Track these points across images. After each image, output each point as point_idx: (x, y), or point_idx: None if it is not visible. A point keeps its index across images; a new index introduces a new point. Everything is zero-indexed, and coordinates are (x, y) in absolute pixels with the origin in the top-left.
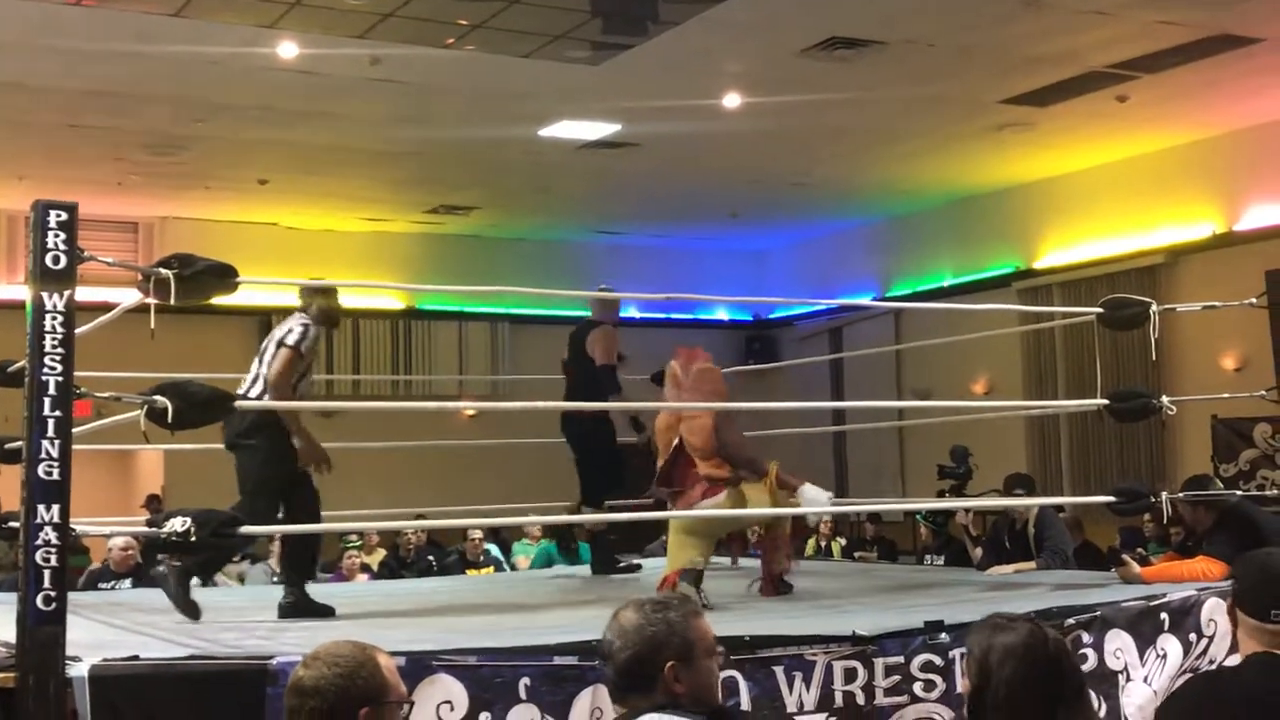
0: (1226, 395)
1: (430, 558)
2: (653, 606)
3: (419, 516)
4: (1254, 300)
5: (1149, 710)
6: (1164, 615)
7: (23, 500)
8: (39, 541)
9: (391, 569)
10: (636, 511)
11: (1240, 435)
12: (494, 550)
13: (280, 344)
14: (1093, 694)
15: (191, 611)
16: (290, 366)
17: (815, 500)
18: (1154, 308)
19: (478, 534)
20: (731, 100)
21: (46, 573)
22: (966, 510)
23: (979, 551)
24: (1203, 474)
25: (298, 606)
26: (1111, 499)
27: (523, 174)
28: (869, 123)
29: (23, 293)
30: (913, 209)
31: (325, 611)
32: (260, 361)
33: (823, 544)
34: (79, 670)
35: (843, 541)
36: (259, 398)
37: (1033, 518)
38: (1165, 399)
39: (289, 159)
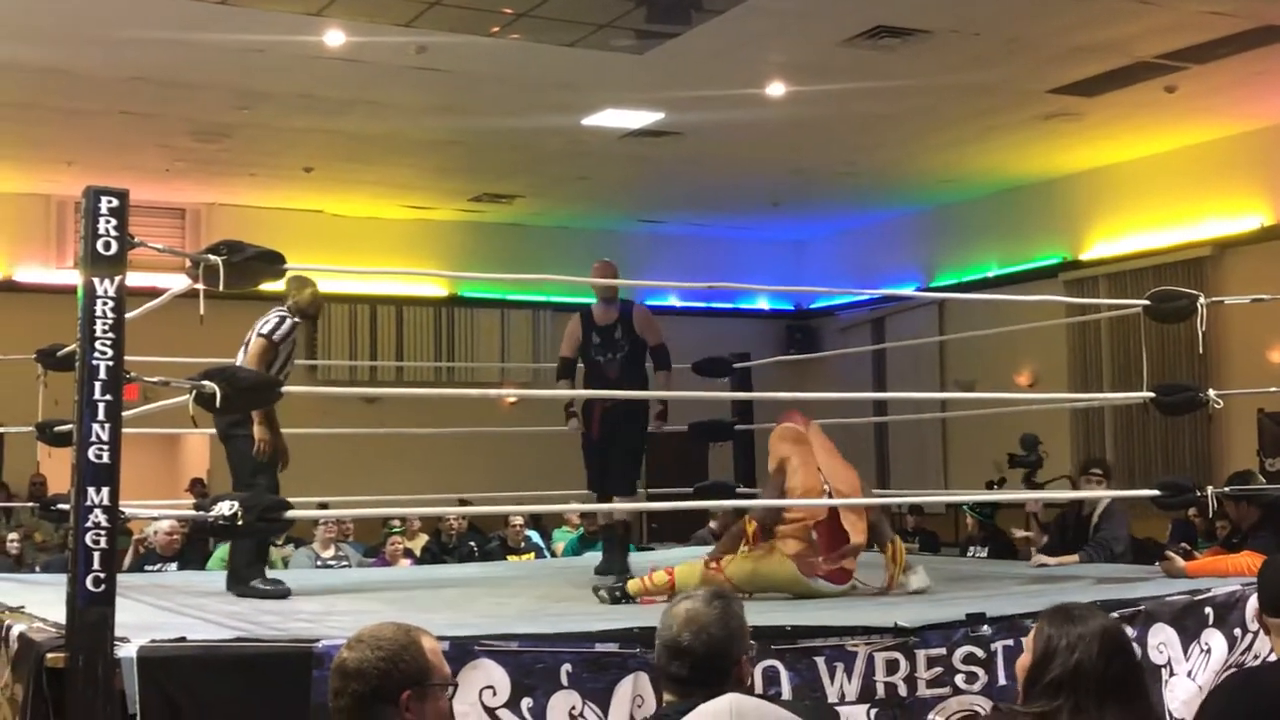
0: (1274, 389)
1: (472, 543)
2: (720, 601)
3: (462, 502)
4: None
5: (1193, 705)
6: (1208, 610)
7: (73, 482)
8: (89, 524)
9: (434, 554)
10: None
11: None
12: (535, 536)
13: (257, 334)
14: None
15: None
16: (263, 356)
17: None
18: (1202, 300)
19: (519, 520)
20: (775, 89)
21: (96, 554)
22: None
23: (1044, 539)
24: (1246, 469)
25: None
26: (1155, 493)
27: (565, 162)
28: (913, 112)
29: (72, 277)
30: (957, 199)
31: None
32: (243, 350)
33: None
34: (127, 651)
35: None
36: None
37: (1100, 508)
38: (1212, 392)
39: (333, 147)
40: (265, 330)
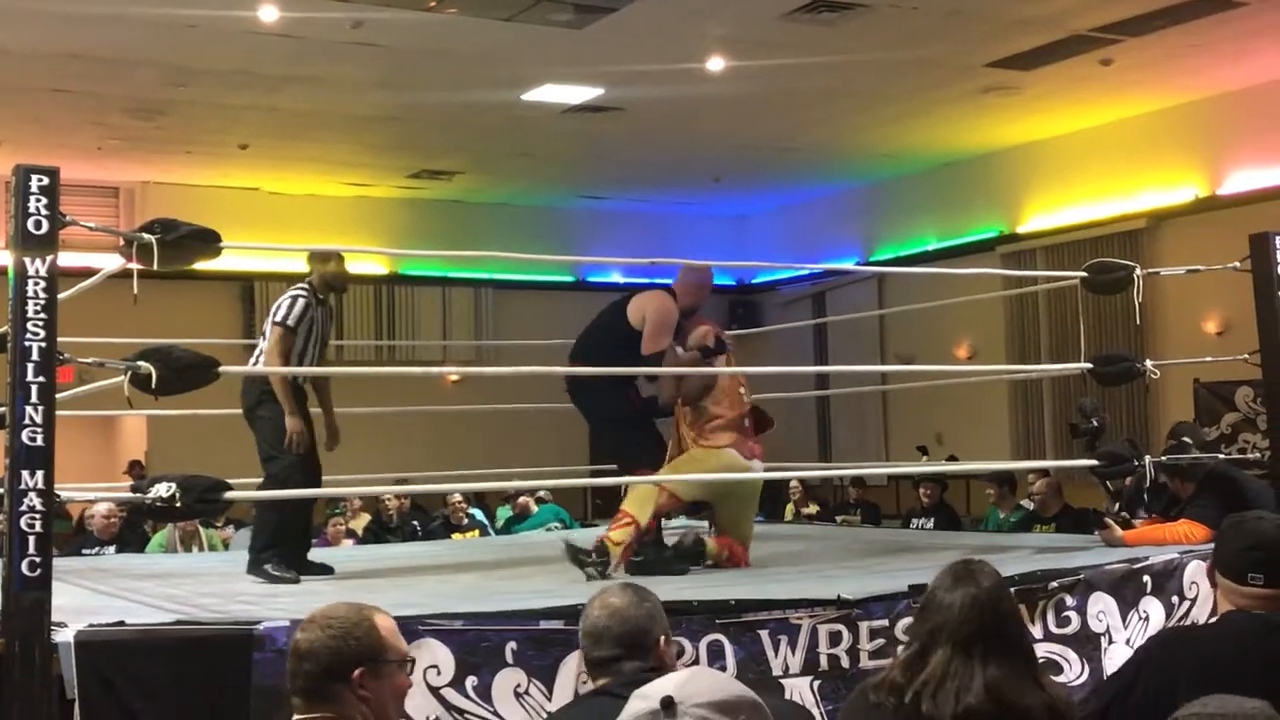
0: (1209, 359)
1: (415, 523)
2: (632, 589)
3: (400, 482)
4: (1237, 264)
5: None
6: (1146, 578)
7: (6, 466)
8: (24, 507)
9: (376, 534)
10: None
11: (1222, 399)
12: (478, 514)
13: (272, 322)
14: (1075, 656)
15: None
16: (281, 343)
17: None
18: (1138, 272)
19: (458, 498)
20: (715, 64)
21: (31, 539)
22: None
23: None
24: (1184, 422)
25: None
26: (1094, 463)
27: (505, 139)
28: (853, 86)
29: (2, 258)
30: (897, 173)
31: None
32: (263, 337)
33: (800, 509)
34: (65, 636)
35: (813, 510)
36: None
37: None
38: (1149, 363)
39: (270, 124)
40: (279, 317)
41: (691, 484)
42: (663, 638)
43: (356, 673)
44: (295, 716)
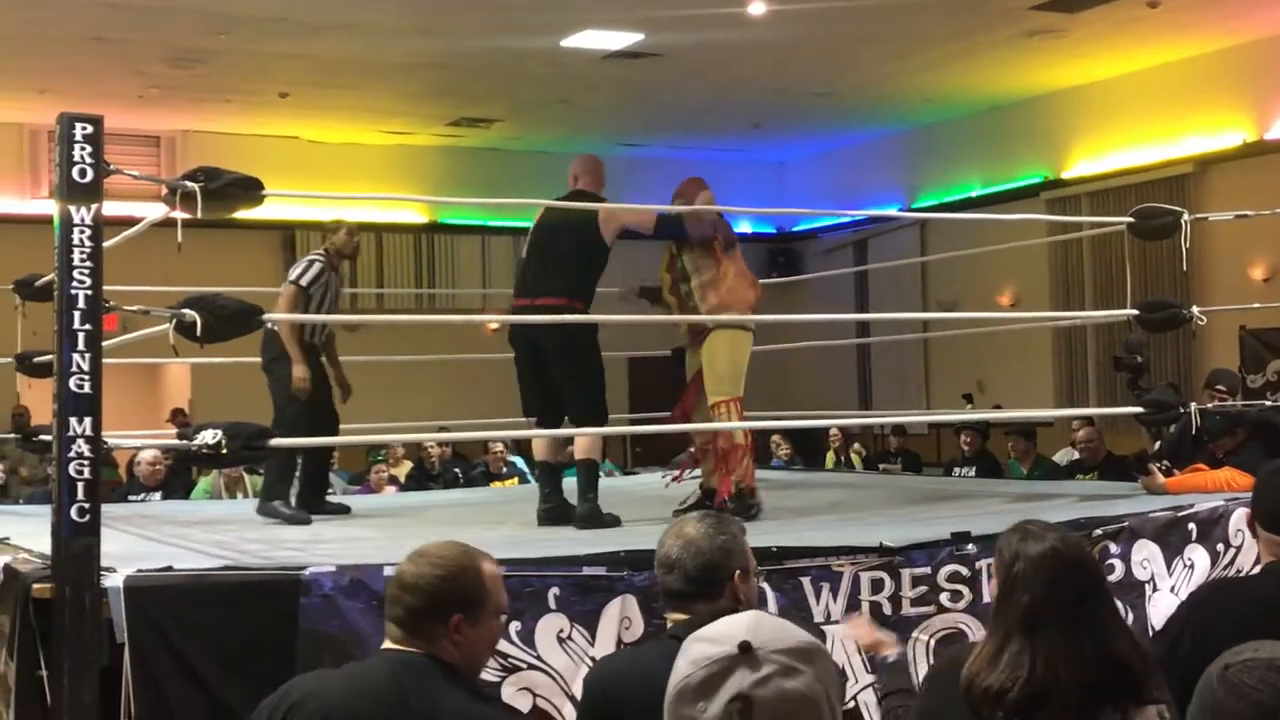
0: (1256, 306)
1: (456, 470)
2: (714, 521)
3: (441, 429)
4: None
5: None
6: (1191, 526)
7: (55, 413)
8: (72, 454)
9: (418, 481)
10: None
11: (1268, 346)
12: (519, 462)
13: (288, 280)
14: (1120, 604)
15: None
16: (292, 301)
17: None
18: (1185, 217)
19: (498, 446)
20: (756, 8)
21: (80, 485)
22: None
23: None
24: (1223, 368)
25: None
26: (1139, 410)
27: (544, 85)
28: (896, 30)
29: (46, 207)
30: (940, 118)
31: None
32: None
33: (841, 456)
34: (114, 581)
35: (862, 451)
36: (274, 328)
37: (1194, 417)
38: (1195, 309)
39: (309, 71)
40: (294, 276)
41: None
42: (738, 573)
43: (455, 618)
44: (388, 644)
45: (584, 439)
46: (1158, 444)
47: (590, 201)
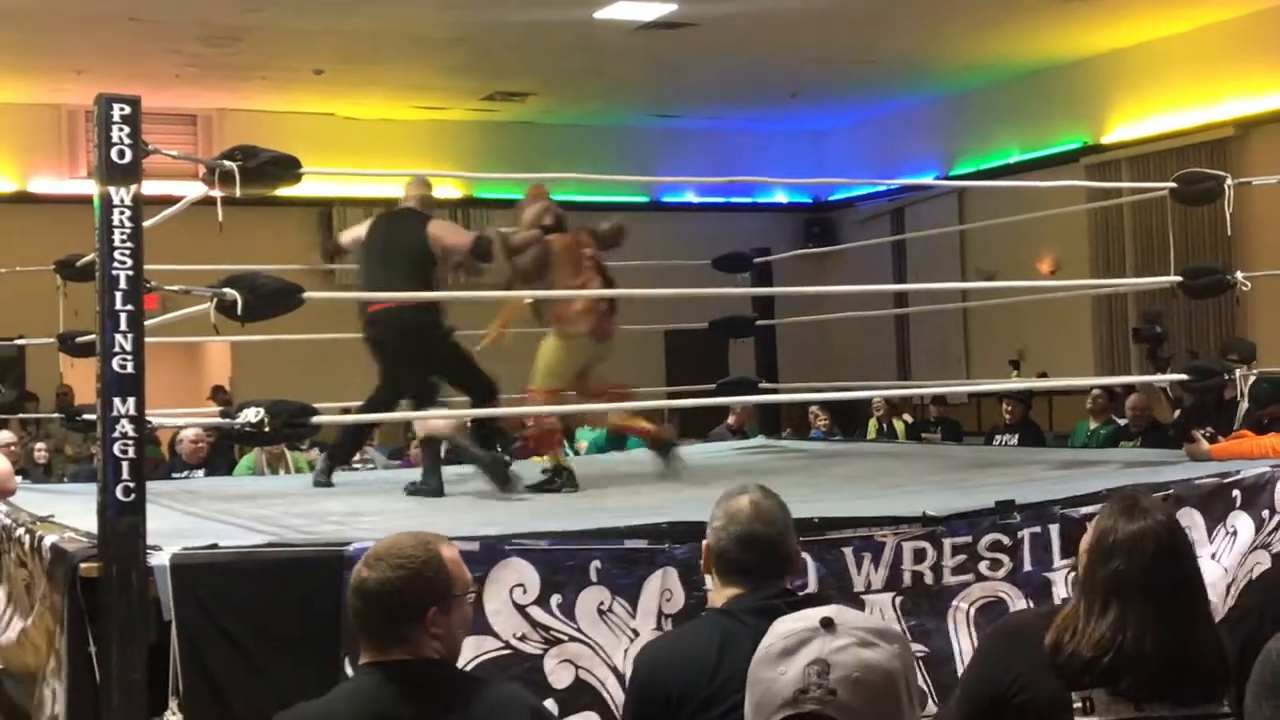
0: None
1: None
2: (770, 494)
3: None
4: None
5: (1219, 587)
6: (1236, 493)
7: (98, 393)
8: (116, 434)
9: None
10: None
11: None
12: None
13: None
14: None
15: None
16: None
17: None
18: (1228, 182)
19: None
20: None
21: (125, 464)
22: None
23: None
24: (1237, 338)
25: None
26: (1183, 377)
27: (578, 58)
28: None
29: (87, 187)
30: (977, 85)
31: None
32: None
33: (884, 425)
34: (160, 559)
35: (908, 419)
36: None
37: (1246, 390)
38: (1239, 274)
39: (343, 48)
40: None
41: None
42: (796, 547)
43: (431, 612)
44: (365, 660)
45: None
46: (1176, 412)
47: (418, 221)
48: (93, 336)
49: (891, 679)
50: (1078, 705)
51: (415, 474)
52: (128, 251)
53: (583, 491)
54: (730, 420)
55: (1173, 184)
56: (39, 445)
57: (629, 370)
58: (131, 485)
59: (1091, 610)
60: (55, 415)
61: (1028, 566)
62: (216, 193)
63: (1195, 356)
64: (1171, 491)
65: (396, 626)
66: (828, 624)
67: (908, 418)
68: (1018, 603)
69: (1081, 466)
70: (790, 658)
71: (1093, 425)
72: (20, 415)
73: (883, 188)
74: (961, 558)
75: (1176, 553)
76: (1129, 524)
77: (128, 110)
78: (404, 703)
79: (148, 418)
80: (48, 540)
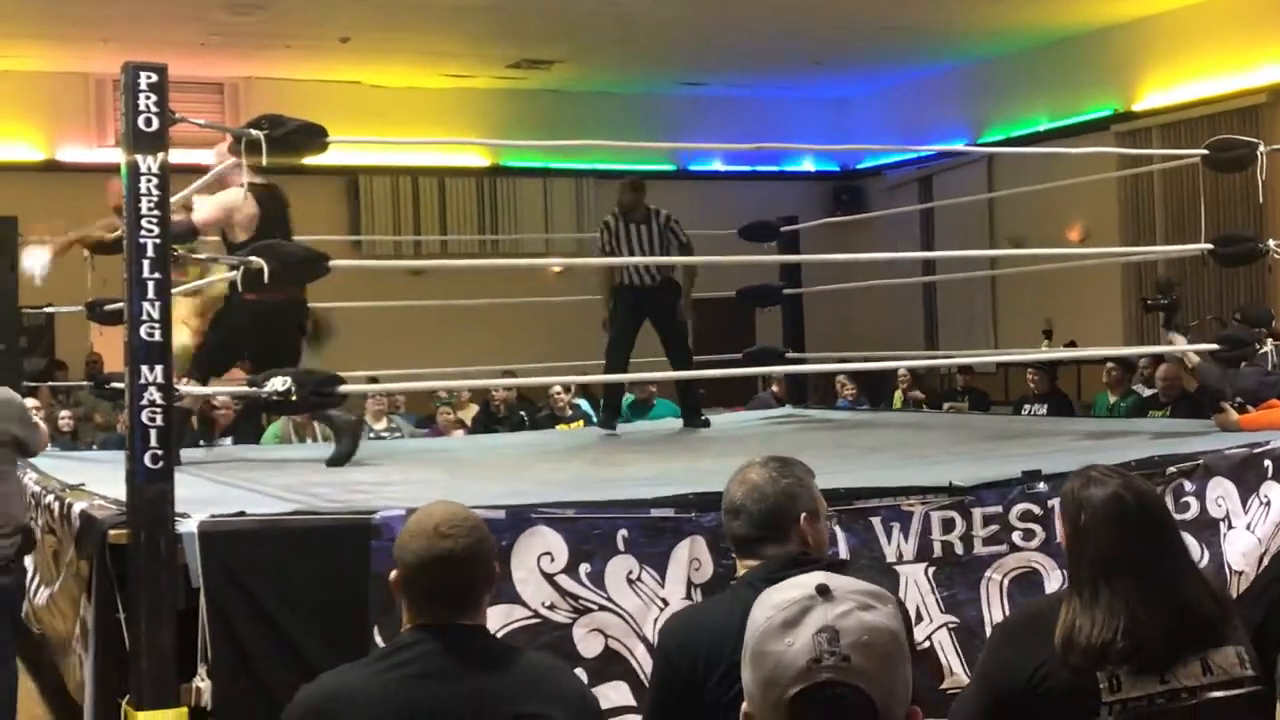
0: None
1: (522, 413)
2: (778, 465)
3: (507, 374)
4: None
5: (1252, 557)
6: (1268, 463)
7: (126, 362)
8: (144, 402)
9: (484, 424)
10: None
11: None
12: (584, 405)
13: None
14: (1194, 542)
15: None
16: None
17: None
18: (1261, 149)
19: (558, 389)
20: None
21: (153, 432)
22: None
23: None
24: (1252, 303)
25: None
26: (1214, 347)
27: (604, 25)
28: None
29: (113, 155)
30: (1006, 51)
31: None
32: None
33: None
34: (188, 526)
35: (919, 395)
36: None
37: (1271, 354)
38: (1271, 243)
39: (369, 15)
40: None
41: None
42: (804, 515)
43: (493, 576)
44: (423, 621)
45: None
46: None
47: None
48: (121, 304)
49: (897, 639)
50: (1104, 685)
51: (445, 443)
52: (155, 220)
53: (608, 461)
54: (775, 388)
55: (1204, 151)
56: (64, 413)
57: (654, 340)
58: (160, 453)
59: (1084, 600)
60: (84, 383)
61: (1058, 538)
62: (244, 161)
63: (1224, 325)
64: (1200, 461)
65: (478, 593)
66: (824, 591)
67: (919, 394)
68: (1052, 574)
69: (1110, 437)
70: (795, 628)
71: (1113, 398)
72: (50, 383)
73: (910, 155)
74: (994, 528)
75: (1146, 517)
76: (1091, 502)
77: (154, 78)
78: (468, 673)
79: (176, 386)
80: (77, 507)
